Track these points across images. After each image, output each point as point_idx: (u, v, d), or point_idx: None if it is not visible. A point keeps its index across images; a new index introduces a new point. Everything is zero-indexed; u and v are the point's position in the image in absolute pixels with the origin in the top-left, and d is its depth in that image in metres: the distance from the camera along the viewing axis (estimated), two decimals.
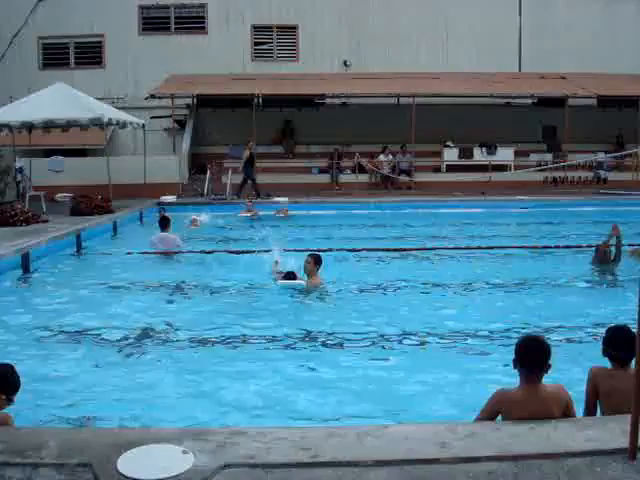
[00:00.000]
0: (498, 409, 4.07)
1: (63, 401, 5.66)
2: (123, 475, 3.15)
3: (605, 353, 4.39)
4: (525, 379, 4.05)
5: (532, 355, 4.04)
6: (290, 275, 9.71)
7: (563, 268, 11.35)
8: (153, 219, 17.90)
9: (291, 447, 3.49)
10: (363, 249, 13.28)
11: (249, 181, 22.63)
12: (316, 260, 9.52)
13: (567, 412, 4.06)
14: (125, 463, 3.25)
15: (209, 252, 13.30)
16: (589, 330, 7.39)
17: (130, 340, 7.53)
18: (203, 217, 17.50)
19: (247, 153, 22.49)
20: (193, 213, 17.39)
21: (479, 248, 13.41)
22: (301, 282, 9.58)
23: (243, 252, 13.18)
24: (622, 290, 9.92)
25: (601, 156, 25.15)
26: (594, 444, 3.50)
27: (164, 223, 13.54)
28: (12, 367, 4.27)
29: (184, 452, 3.36)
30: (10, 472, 3.23)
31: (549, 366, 4.03)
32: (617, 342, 4.34)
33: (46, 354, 7.01)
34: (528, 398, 3.98)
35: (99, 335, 7.67)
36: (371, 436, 3.66)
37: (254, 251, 12.63)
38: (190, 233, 15.45)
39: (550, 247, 13.39)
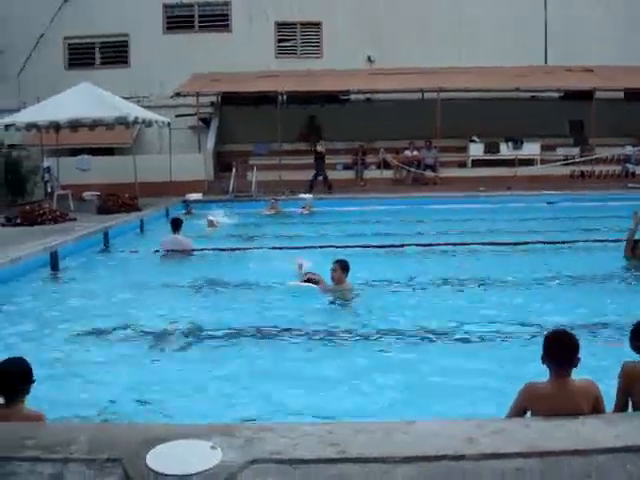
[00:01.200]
0: (527, 403, 4.04)
1: (92, 397, 5.72)
2: (152, 470, 3.17)
3: (633, 347, 4.34)
4: (554, 374, 4.02)
5: (560, 350, 4.02)
6: (311, 278, 9.32)
7: (594, 262, 11.23)
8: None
9: (318, 443, 3.49)
10: (389, 245, 13.25)
11: (319, 177, 23.34)
12: (342, 266, 9.07)
13: (597, 407, 4.01)
14: (154, 458, 3.27)
15: (233, 249, 13.29)
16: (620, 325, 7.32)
17: (158, 337, 7.59)
18: (221, 218, 17.06)
19: (320, 148, 23.38)
20: (211, 214, 16.84)
21: (504, 244, 13.35)
22: (311, 286, 9.17)
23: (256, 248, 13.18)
24: None
25: (629, 149, 24.86)
26: (624, 440, 3.46)
27: (176, 225, 13.00)
28: (25, 360, 4.32)
29: (212, 448, 3.37)
30: (41, 467, 3.27)
31: (578, 360, 4.00)
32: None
33: (74, 351, 7.09)
34: (557, 392, 3.96)
35: (127, 332, 7.75)
36: (399, 432, 3.65)
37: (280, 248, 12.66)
38: (208, 235, 15.10)
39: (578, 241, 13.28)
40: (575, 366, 4.02)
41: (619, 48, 25.83)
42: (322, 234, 15.30)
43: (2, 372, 4.17)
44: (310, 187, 23.09)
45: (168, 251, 12.63)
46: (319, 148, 23.58)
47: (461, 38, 27.19)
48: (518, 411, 4.07)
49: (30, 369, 4.25)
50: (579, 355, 4.01)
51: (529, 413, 4.06)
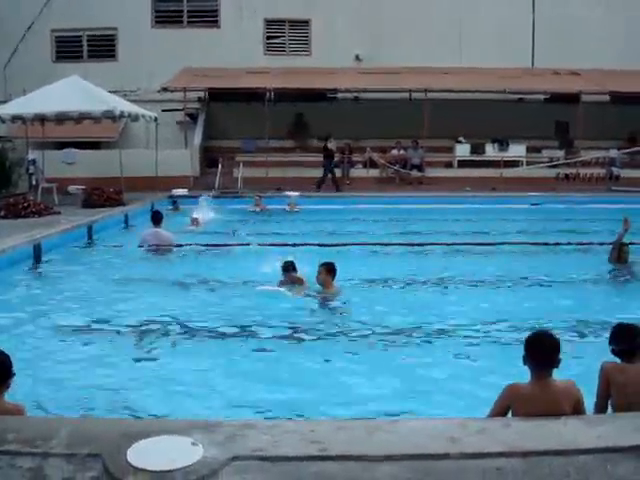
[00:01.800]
0: (509, 404, 4.07)
1: (71, 392, 5.68)
2: (133, 466, 3.15)
3: (612, 351, 4.39)
4: (535, 375, 4.05)
5: (541, 350, 4.06)
6: (294, 280, 9.04)
7: (576, 265, 11.29)
8: (164, 212, 17.97)
9: (300, 440, 3.49)
10: (366, 243, 13.31)
11: (329, 174, 23.25)
12: (328, 269, 8.67)
13: (578, 408, 4.04)
14: (135, 454, 3.25)
15: (215, 245, 13.23)
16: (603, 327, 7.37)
17: (139, 332, 7.56)
18: (204, 215, 16.50)
19: (330, 146, 23.23)
20: (195, 211, 16.33)
21: (490, 244, 13.41)
22: (283, 291, 8.83)
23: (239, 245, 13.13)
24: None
25: (614, 153, 25.02)
26: (605, 441, 3.48)
27: (157, 218, 12.88)
28: (3, 352, 4.28)
29: (193, 444, 3.37)
30: (20, 461, 3.25)
31: (559, 360, 4.04)
32: (617, 337, 4.39)
33: (55, 345, 7.06)
34: (538, 393, 3.98)
35: (107, 327, 7.71)
36: (381, 430, 3.66)
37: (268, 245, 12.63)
38: (192, 231, 14.77)
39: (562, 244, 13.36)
40: (556, 366, 4.05)
41: (606, 51, 25.97)
42: (304, 232, 15.27)
43: None
44: (319, 185, 23.03)
45: (150, 245, 12.52)
46: (329, 145, 23.37)
47: (449, 39, 27.24)
48: (500, 411, 4.08)
49: (10, 362, 4.21)
50: (560, 356, 4.04)
51: (510, 414, 4.07)
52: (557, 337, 4.18)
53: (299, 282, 9.11)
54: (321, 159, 23.90)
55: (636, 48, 26.12)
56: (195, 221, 15.79)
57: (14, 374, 4.19)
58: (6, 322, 7.75)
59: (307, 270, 9.17)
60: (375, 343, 7.19)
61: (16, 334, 7.26)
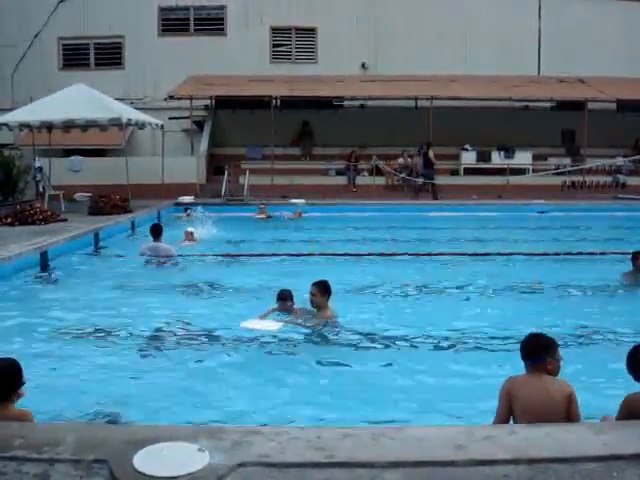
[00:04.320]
0: (508, 392, 4.41)
1: (78, 399, 5.69)
2: (139, 472, 3.15)
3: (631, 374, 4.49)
4: (529, 369, 4.51)
5: (532, 349, 4.51)
6: (285, 309, 8.12)
7: (585, 273, 11.25)
8: (171, 219, 18.02)
9: (306, 447, 3.48)
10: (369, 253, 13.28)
11: (426, 182, 23.28)
12: (322, 289, 7.71)
13: (570, 405, 4.31)
14: (141, 460, 3.26)
15: (217, 255, 13.22)
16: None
17: (144, 340, 7.58)
18: (200, 230, 15.03)
19: (431, 154, 23.31)
20: (190, 226, 14.94)
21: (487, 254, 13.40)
22: (266, 327, 7.68)
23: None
24: None
25: (620, 160, 24.98)
26: (611, 449, 3.47)
27: (156, 232, 12.56)
28: (16, 360, 4.33)
29: (200, 450, 3.36)
30: (27, 467, 3.25)
31: (550, 360, 4.45)
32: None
33: (61, 351, 7.07)
34: (533, 381, 4.41)
35: (113, 334, 7.73)
36: (387, 437, 3.65)
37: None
38: (184, 250, 13.18)
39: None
40: (548, 365, 4.43)
41: (612, 59, 26.01)
42: (309, 240, 15.26)
43: None
44: (416, 192, 23.09)
45: (150, 256, 12.38)
46: (430, 154, 23.44)
47: (455, 47, 27.29)
48: (505, 404, 4.42)
49: (21, 370, 4.26)
50: (556, 358, 4.47)
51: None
52: (547, 338, 4.60)
53: (294, 313, 8.12)
54: (326, 166, 23.87)
55: None
56: (189, 235, 14.23)
57: (24, 382, 4.24)
58: (12, 329, 7.77)
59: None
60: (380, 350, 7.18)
61: (21, 340, 7.28)
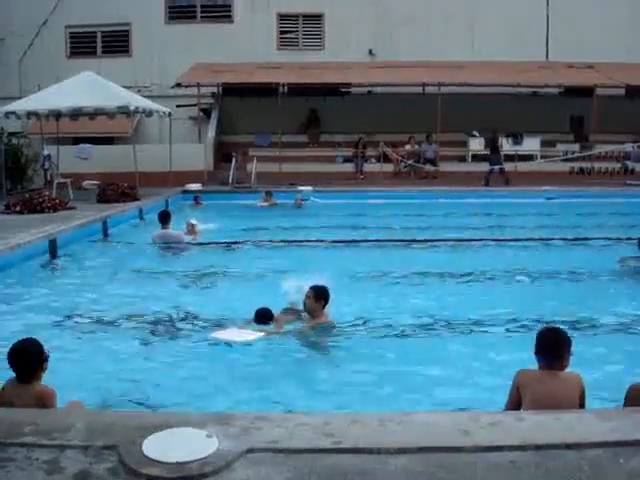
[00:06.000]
0: (519, 386, 4.28)
1: (87, 385, 5.73)
2: (148, 457, 3.18)
3: None
4: (544, 366, 4.30)
5: (552, 348, 4.30)
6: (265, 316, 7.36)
7: (594, 260, 11.23)
8: (179, 207, 18.04)
9: (314, 433, 3.51)
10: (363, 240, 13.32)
11: (496, 169, 22.99)
12: (317, 295, 7.12)
13: (581, 397, 4.24)
14: (150, 446, 3.29)
15: (233, 242, 13.28)
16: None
17: (152, 326, 7.60)
18: (203, 220, 14.33)
19: (500, 141, 23.40)
20: (193, 217, 14.36)
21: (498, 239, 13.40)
22: (241, 337, 6.97)
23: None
24: None
25: (629, 146, 24.85)
26: (618, 435, 3.48)
27: (164, 218, 12.52)
28: (35, 339, 4.55)
29: (208, 436, 3.39)
30: (37, 454, 3.28)
31: (568, 358, 4.28)
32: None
33: (70, 339, 7.11)
34: (547, 377, 4.25)
35: (122, 321, 7.77)
36: (394, 423, 3.67)
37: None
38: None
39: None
40: (565, 362, 4.26)
41: (621, 45, 25.74)
42: (313, 227, 15.26)
43: (20, 351, 4.35)
44: (487, 180, 22.72)
45: (161, 244, 12.45)
46: (498, 141, 23.38)
47: (463, 33, 27.14)
48: (514, 393, 4.32)
49: (42, 346, 4.44)
50: (570, 353, 4.28)
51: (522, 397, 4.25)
52: (566, 334, 4.38)
53: (276, 322, 7.32)
54: (334, 154, 23.78)
55: None
56: (191, 227, 13.48)
57: (46, 359, 4.42)
58: (22, 316, 7.82)
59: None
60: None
61: (30, 327, 7.31)
